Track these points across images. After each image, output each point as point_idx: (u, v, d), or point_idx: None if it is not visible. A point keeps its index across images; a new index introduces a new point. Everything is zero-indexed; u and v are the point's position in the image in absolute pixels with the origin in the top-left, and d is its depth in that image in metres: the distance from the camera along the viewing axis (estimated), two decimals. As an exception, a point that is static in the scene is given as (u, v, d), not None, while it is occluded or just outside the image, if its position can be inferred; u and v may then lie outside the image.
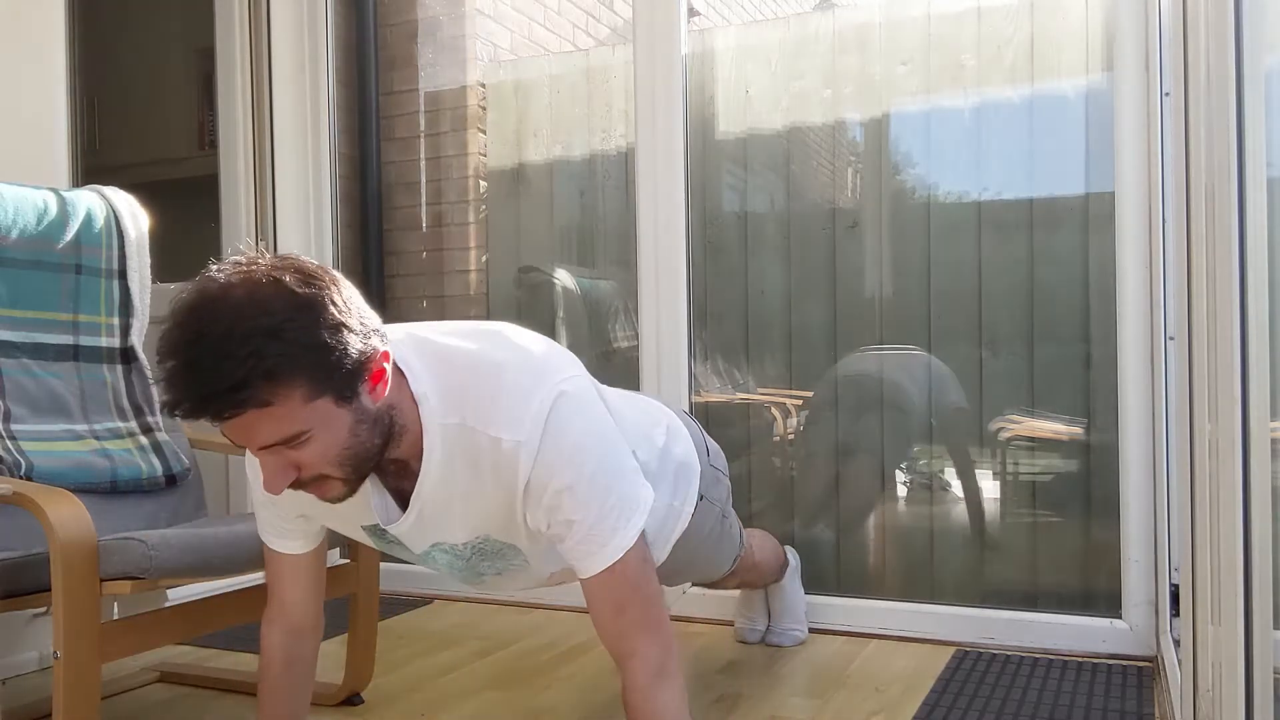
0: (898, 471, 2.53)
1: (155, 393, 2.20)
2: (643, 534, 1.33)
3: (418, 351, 1.31)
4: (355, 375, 1.17)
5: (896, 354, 2.49)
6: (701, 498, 1.71)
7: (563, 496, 1.27)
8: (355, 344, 1.16)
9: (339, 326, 1.14)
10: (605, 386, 1.60)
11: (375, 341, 1.20)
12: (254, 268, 1.14)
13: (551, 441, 1.25)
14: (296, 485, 1.21)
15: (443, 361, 1.30)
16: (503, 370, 1.29)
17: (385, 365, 1.21)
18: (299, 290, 1.13)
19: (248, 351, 1.08)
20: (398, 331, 1.34)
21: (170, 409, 1.11)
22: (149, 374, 2.20)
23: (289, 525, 1.43)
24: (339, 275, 1.21)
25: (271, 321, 1.10)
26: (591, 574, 1.30)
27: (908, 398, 2.49)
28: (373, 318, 1.22)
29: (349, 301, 1.18)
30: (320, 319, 1.13)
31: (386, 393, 1.23)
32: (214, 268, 1.16)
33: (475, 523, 1.36)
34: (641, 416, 1.62)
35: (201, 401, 1.10)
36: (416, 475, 1.29)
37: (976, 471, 2.45)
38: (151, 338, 2.28)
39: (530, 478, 1.26)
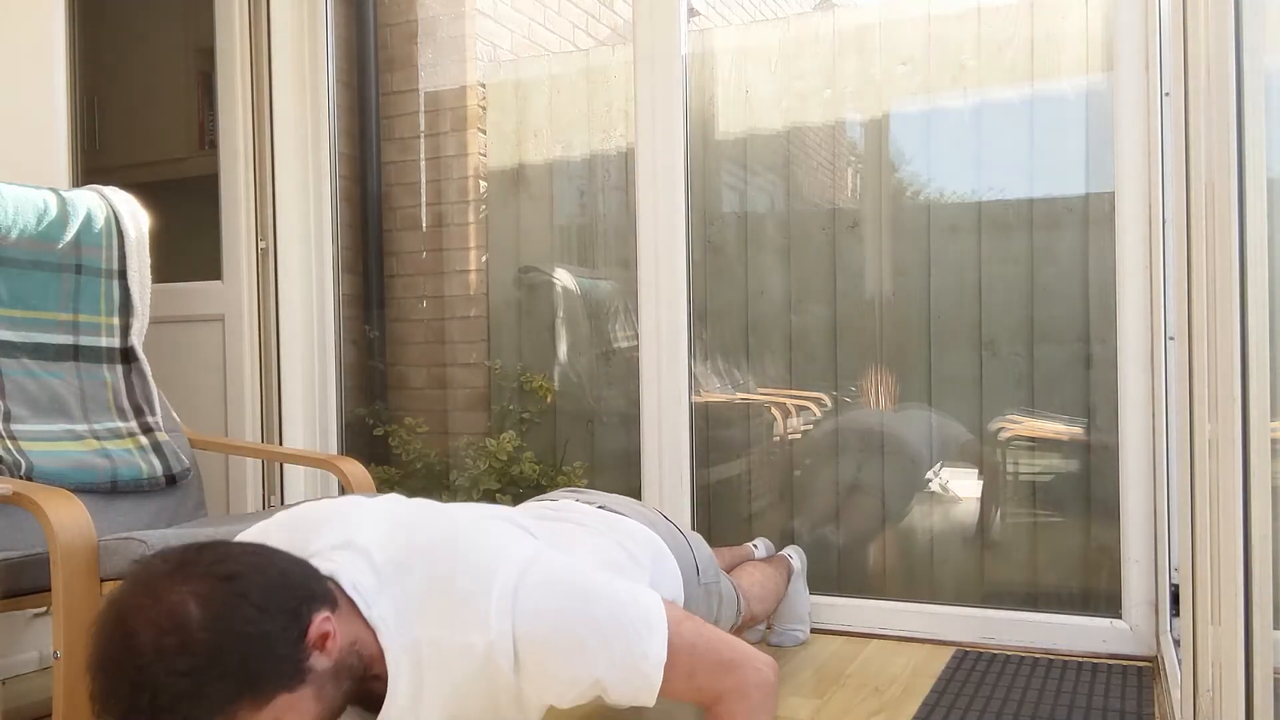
0: (904, 507, 2.53)
1: (156, 393, 2.21)
2: (668, 603, 1.31)
3: (365, 569, 1.27)
4: (297, 660, 1.14)
5: (898, 412, 2.50)
6: None
7: (575, 662, 1.23)
8: (288, 636, 1.13)
9: (263, 639, 1.11)
10: (583, 526, 1.56)
11: (308, 610, 1.16)
12: (156, 607, 1.08)
13: (528, 625, 1.22)
14: None
15: (393, 574, 1.26)
16: (454, 572, 1.25)
17: (327, 627, 1.18)
18: (206, 631, 1.08)
19: (181, 718, 1.07)
20: (344, 553, 1.28)
21: None
22: (149, 374, 2.20)
23: None
24: (253, 561, 1.15)
25: (188, 684, 1.06)
26: (653, 696, 1.28)
27: (912, 448, 2.50)
28: (299, 582, 1.17)
29: (265, 596, 1.12)
30: (238, 649, 1.09)
31: (342, 636, 1.20)
32: (120, 588, 1.11)
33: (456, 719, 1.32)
34: (624, 562, 1.54)
35: None
36: (384, 682, 1.25)
37: (978, 473, 2.46)
38: (152, 337, 2.28)
39: (521, 664, 1.23)
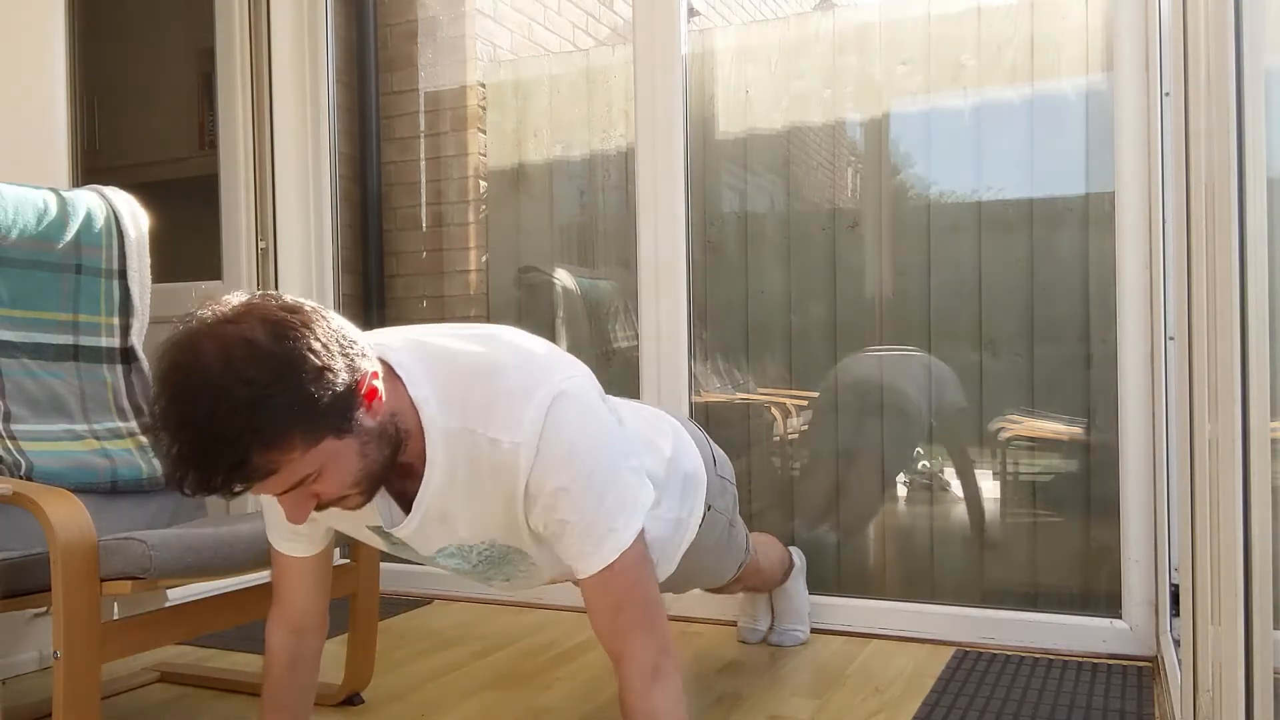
0: (900, 474, 2.53)
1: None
2: (641, 534, 1.33)
3: (416, 355, 1.30)
4: (348, 406, 1.17)
5: (896, 355, 2.49)
6: (709, 508, 1.70)
7: (558, 497, 1.27)
8: (342, 378, 1.15)
9: (321, 372, 1.13)
10: (610, 396, 1.60)
11: (361, 364, 1.19)
12: (225, 327, 1.12)
13: (550, 441, 1.25)
14: (319, 508, 1.23)
15: (442, 364, 1.30)
16: (502, 371, 1.29)
17: (375, 383, 1.21)
18: (274, 349, 1.11)
19: (238, 430, 1.09)
20: (396, 338, 1.33)
21: (178, 488, 1.12)
22: (149, 374, 2.20)
23: (295, 528, 1.43)
24: (313, 307, 1.19)
25: (253, 392, 1.09)
26: (588, 574, 1.30)
27: (909, 401, 2.49)
28: (354, 339, 1.21)
29: (327, 336, 1.16)
30: (301, 373, 1.12)
31: (385, 402, 1.23)
32: (185, 322, 1.15)
33: (480, 526, 1.35)
34: (647, 427, 1.61)
35: (206, 484, 1.12)
36: (420, 478, 1.30)
37: (977, 471, 2.45)
38: (152, 337, 2.28)
39: (529, 478, 1.27)
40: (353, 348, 1.19)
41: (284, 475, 1.15)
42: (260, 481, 1.14)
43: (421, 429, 1.27)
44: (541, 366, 1.32)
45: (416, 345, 1.32)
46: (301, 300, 1.19)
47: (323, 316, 1.18)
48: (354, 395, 1.17)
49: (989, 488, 2.45)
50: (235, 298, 1.18)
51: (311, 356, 1.13)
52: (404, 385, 1.27)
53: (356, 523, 1.42)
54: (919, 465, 2.52)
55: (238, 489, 1.13)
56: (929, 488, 2.52)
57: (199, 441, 1.09)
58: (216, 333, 1.12)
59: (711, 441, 1.83)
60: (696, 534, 1.67)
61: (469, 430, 1.27)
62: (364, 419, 1.19)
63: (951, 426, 2.46)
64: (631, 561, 1.31)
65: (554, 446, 1.26)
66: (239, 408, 1.08)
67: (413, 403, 1.27)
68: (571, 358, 1.40)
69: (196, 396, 1.09)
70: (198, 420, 1.09)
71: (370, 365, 1.21)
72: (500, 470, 1.27)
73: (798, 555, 2.37)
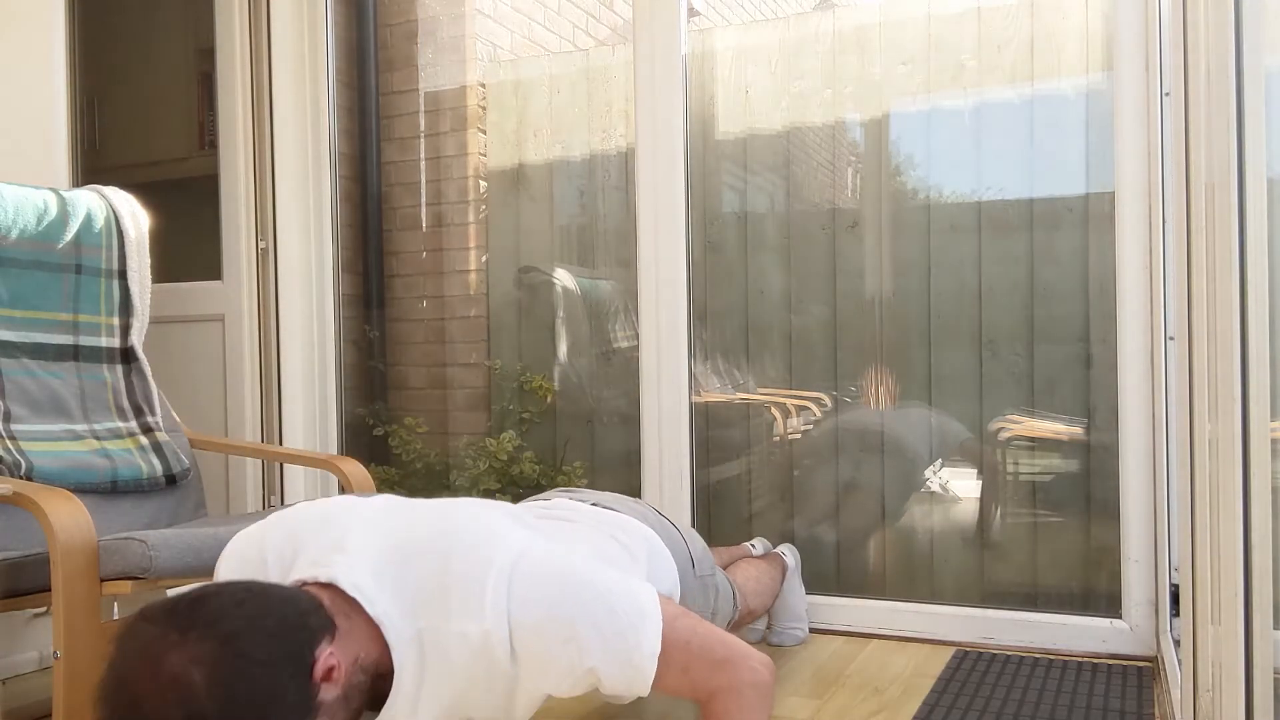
0: (904, 499, 2.53)
1: (156, 393, 2.21)
2: (664, 598, 1.31)
3: (367, 567, 1.26)
4: (308, 702, 1.12)
5: (896, 411, 2.50)
6: None
7: (569, 649, 1.24)
8: (296, 683, 1.11)
9: (271, 695, 1.08)
10: (575, 523, 1.56)
11: (310, 649, 1.14)
12: (158, 675, 1.05)
13: (523, 613, 1.23)
14: None
15: (391, 571, 1.26)
16: (449, 561, 1.26)
17: (332, 660, 1.15)
18: (214, 700, 1.04)
19: None
20: (340, 555, 1.27)
21: None
22: (149, 374, 2.20)
23: None
24: (244, 614, 1.10)
25: None
26: (647, 688, 1.29)
27: (911, 446, 2.50)
28: (296, 620, 1.14)
29: (268, 644, 1.10)
30: (251, 712, 1.06)
31: (345, 654, 1.18)
32: (113, 674, 1.07)
33: (455, 714, 1.32)
34: (619, 555, 1.55)
35: None
36: (390, 678, 1.26)
37: (979, 474, 2.46)
38: (152, 337, 2.28)
39: (517, 653, 1.24)
40: (296, 638, 1.13)
41: None
42: None
43: (387, 644, 1.23)
44: (484, 543, 1.28)
45: (357, 555, 1.27)
46: (234, 608, 1.11)
47: (259, 623, 1.11)
48: (310, 688, 1.12)
49: (989, 488, 2.45)
50: (161, 618, 1.09)
51: (257, 689, 1.07)
52: (362, 607, 1.23)
53: None
54: (928, 484, 2.52)
55: None
56: (930, 492, 2.52)
57: None
58: (152, 686, 1.05)
59: (689, 538, 1.79)
60: None
61: (433, 629, 1.24)
62: (327, 694, 1.14)
63: (961, 456, 2.46)
64: (669, 647, 1.28)
65: (530, 615, 1.23)
66: None
67: (373, 620, 1.23)
68: (512, 519, 1.37)
69: None
70: None
71: (320, 642, 1.15)
72: (475, 658, 1.24)
73: (791, 555, 2.37)
